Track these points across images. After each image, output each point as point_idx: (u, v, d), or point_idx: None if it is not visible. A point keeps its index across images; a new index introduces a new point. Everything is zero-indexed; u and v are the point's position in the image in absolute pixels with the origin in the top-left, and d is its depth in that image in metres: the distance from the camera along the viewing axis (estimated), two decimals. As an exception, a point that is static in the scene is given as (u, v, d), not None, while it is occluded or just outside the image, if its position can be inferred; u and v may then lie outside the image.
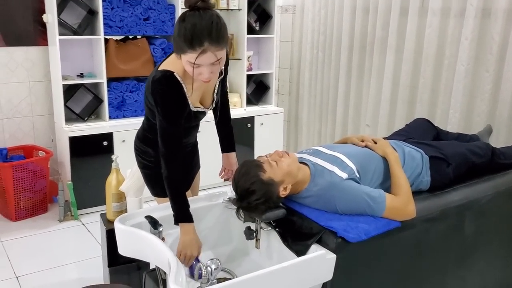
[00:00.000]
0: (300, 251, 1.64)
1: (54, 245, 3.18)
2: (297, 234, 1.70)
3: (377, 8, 3.67)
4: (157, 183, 1.98)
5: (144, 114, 2.02)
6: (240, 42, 4.24)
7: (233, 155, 2.25)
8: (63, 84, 3.50)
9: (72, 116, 3.62)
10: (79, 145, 3.49)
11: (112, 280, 2.34)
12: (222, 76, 2.00)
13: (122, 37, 3.74)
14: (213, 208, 1.97)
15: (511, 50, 2.89)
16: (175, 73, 1.76)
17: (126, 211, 2.29)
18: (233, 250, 1.94)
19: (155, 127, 1.85)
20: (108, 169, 2.31)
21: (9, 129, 3.69)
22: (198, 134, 2.20)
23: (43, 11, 3.54)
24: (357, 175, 1.82)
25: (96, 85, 3.70)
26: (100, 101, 3.67)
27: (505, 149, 2.32)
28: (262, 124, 4.29)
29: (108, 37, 3.62)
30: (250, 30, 4.24)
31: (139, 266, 2.31)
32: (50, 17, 3.42)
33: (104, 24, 3.51)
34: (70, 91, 3.60)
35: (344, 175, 1.78)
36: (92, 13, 3.52)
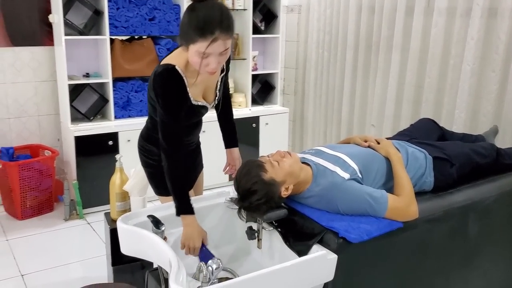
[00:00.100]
0: (301, 251, 1.64)
1: (59, 243, 3.20)
2: (299, 234, 1.70)
3: (382, 8, 3.65)
4: (160, 182, 1.99)
5: (148, 113, 2.03)
6: (245, 42, 4.24)
7: (236, 150, 2.27)
8: (69, 84, 3.52)
9: (78, 116, 3.64)
10: (84, 144, 3.51)
11: (116, 279, 2.35)
12: (224, 72, 2.02)
13: (127, 37, 3.76)
14: (215, 207, 1.97)
15: (517, 50, 2.87)
16: (176, 67, 1.78)
17: (130, 210, 2.30)
18: (235, 250, 1.94)
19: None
20: (113, 168, 2.32)
21: (15, 129, 3.72)
22: (202, 134, 2.21)
23: (49, 11, 3.57)
24: (360, 176, 1.82)
25: (102, 85, 3.71)
26: (106, 101, 3.69)
27: (510, 149, 2.30)
28: (267, 124, 4.29)
29: (113, 37, 3.64)
30: (256, 30, 4.24)
31: (143, 265, 2.32)
32: (56, 17, 3.45)
33: (109, 24, 3.52)
34: (76, 91, 3.63)
35: (346, 176, 1.78)
36: (97, 13, 3.54)
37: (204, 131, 2.21)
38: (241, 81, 4.37)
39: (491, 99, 3.01)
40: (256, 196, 1.68)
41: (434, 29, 3.27)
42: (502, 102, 2.99)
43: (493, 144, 2.28)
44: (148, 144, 2.07)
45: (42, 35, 3.66)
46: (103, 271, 2.57)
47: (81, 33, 3.53)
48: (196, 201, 1.86)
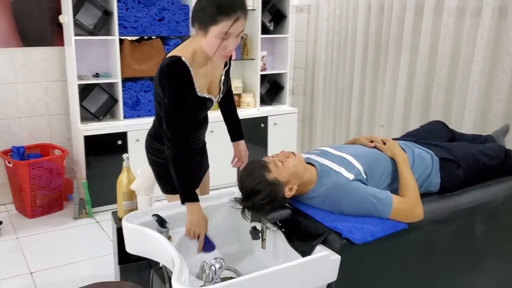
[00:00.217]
0: (305, 252, 1.64)
1: (68, 242, 3.23)
2: (302, 234, 1.70)
3: (392, 7, 3.63)
4: (168, 180, 2.00)
5: (155, 111, 2.05)
6: (254, 42, 4.24)
7: (242, 142, 2.31)
8: (78, 84, 3.56)
9: (87, 116, 3.68)
10: (94, 144, 3.54)
11: (123, 277, 2.37)
12: (227, 66, 2.05)
13: (136, 37, 3.78)
14: (220, 207, 1.97)
15: (528, 50, 2.84)
16: (182, 58, 1.81)
17: (136, 209, 2.31)
18: (239, 249, 1.95)
19: None
20: (122, 168, 2.33)
21: (26, 128, 3.77)
22: (209, 134, 2.22)
23: (60, 12, 3.60)
24: (364, 176, 1.81)
25: (111, 85, 3.74)
26: (115, 100, 3.71)
27: (519, 151, 2.27)
28: (275, 124, 4.28)
29: (123, 37, 3.66)
30: (265, 30, 4.24)
31: (150, 264, 2.33)
32: (66, 18, 3.48)
33: (119, 24, 3.55)
34: (85, 91, 3.66)
35: (351, 176, 1.77)
36: (107, 13, 3.56)
37: (212, 131, 2.22)
38: (250, 81, 4.38)
39: (502, 99, 2.98)
40: (260, 196, 1.68)
41: (444, 29, 3.25)
42: (512, 102, 2.96)
43: (501, 145, 2.25)
44: (156, 143, 2.08)
45: (53, 36, 3.70)
46: (112, 270, 2.59)
47: (90, 33, 3.56)
48: (201, 201, 1.87)
